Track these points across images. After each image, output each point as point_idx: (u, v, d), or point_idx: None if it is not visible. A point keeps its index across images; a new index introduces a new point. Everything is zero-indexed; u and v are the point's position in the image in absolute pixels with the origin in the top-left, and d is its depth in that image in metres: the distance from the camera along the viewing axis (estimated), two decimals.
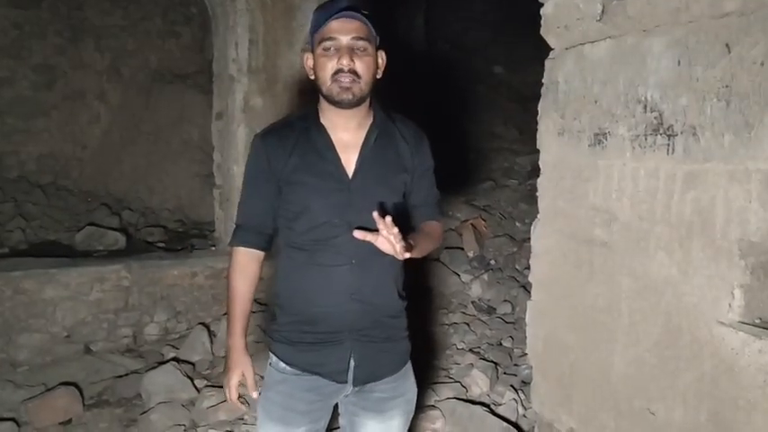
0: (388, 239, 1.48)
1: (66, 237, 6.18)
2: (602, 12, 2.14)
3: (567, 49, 2.34)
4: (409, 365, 1.85)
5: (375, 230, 1.51)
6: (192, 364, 4.09)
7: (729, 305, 1.71)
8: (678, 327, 1.86)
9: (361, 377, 1.73)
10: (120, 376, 4.04)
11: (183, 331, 4.66)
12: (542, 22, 2.43)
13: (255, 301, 4.74)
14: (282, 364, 1.75)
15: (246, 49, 4.82)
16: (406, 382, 1.84)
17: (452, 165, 6.31)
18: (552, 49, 2.45)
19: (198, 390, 3.69)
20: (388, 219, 1.46)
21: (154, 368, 3.89)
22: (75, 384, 3.81)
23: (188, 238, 6.44)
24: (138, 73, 7.70)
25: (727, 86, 1.70)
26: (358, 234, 1.51)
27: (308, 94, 5.06)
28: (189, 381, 3.74)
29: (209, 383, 3.77)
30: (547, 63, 2.47)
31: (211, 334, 4.36)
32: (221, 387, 3.64)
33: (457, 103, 7.66)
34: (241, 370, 1.82)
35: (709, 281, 1.77)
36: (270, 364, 1.81)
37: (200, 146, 7.28)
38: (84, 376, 4.01)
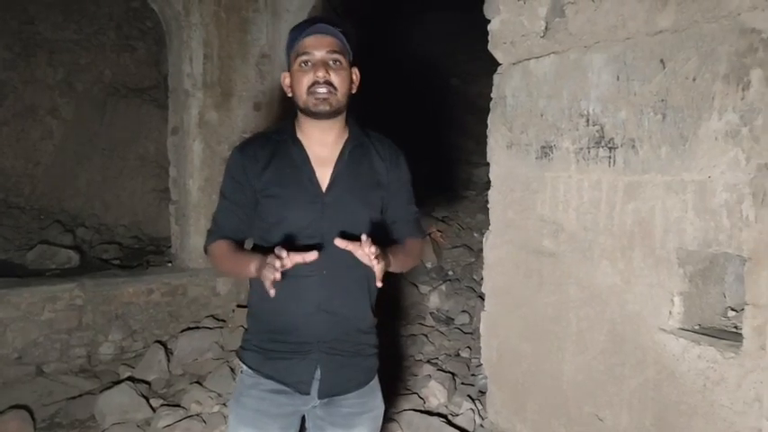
0: (365, 254, 1.50)
1: (17, 255, 6.02)
2: (546, 28, 2.20)
3: (513, 64, 2.40)
4: (377, 381, 1.86)
5: (355, 240, 1.53)
6: (148, 383, 4.02)
7: (670, 312, 1.77)
8: (622, 334, 1.91)
9: (325, 390, 1.73)
10: (74, 397, 3.94)
11: (139, 350, 4.58)
12: (489, 37, 2.48)
13: (213, 316, 4.74)
14: (251, 372, 1.76)
15: (201, 64, 4.81)
16: (373, 398, 1.84)
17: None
18: (500, 65, 2.50)
19: (154, 409, 3.62)
20: (364, 237, 1.48)
21: (108, 388, 3.81)
22: (26, 407, 3.70)
23: (144, 254, 6.34)
24: (93, 87, 7.57)
25: (662, 100, 1.77)
26: (339, 242, 1.51)
27: (263, 107, 5.08)
28: (144, 400, 3.67)
29: (166, 402, 3.71)
30: (495, 78, 2.52)
31: (168, 352, 4.30)
32: (178, 406, 3.61)
33: (412, 114, 7.72)
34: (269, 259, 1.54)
35: (650, 289, 1.82)
36: (241, 372, 1.82)
37: (156, 161, 7.19)
38: (36, 398, 3.91)
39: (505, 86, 2.45)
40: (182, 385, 3.93)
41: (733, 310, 1.83)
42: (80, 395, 3.96)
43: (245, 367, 1.79)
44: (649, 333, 1.82)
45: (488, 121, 2.56)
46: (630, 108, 1.86)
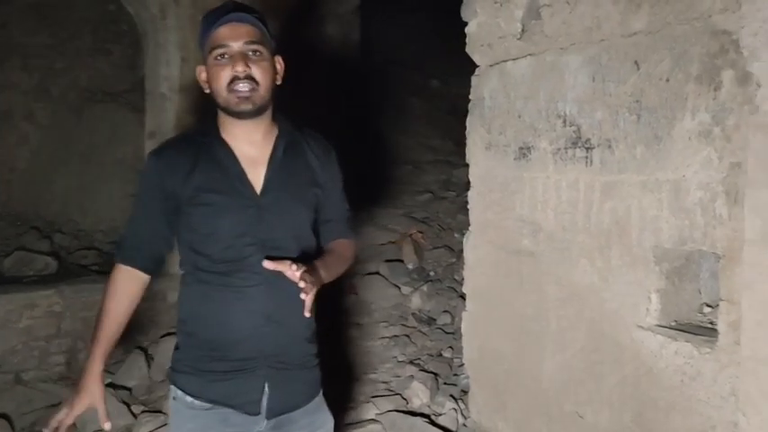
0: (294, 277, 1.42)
1: None
2: (522, 30, 2.22)
3: (491, 66, 2.42)
4: (322, 395, 1.76)
5: (286, 258, 1.46)
6: (129, 389, 3.99)
7: (647, 309, 1.80)
8: (601, 332, 1.94)
9: (275, 407, 1.61)
10: (54, 405, 3.90)
11: (119, 356, 4.53)
12: (467, 40, 2.50)
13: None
14: (189, 398, 1.60)
15: (178, 67, 4.77)
16: (322, 413, 1.74)
17: (390, 177, 6.37)
18: (478, 66, 2.52)
19: (135, 416, 3.60)
20: (291, 271, 1.40)
21: None
22: (5, 416, 3.67)
23: None
24: (68, 92, 7.48)
25: (637, 101, 1.79)
26: (268, 264, 1.43)
27: None
28: (125, 407, 3.65)
29: (147, 409, 3.69)
30: (473, 79, 2.54)
31: (149, 358, 4.27)
32: (159, 412, 3.58)
33: (393, 116, 7.74)
34: (90, 400, 1.67)
35: (627, 287, 1.85)
36: (174, 398, 1.65)
37: (133, 165, 7.12)
38: (15, 407, 3.86)
39: (483, 88, 2.47)
40: (162, 391, 3.89)
41: (708, 306, 1.86)
42: (60, 403, 3.92)
43: (179, 393, 1.63)
44: (627, 330, 1.84)
45: (467, 123, 2.58)
46: (606, 109, 1.89)
